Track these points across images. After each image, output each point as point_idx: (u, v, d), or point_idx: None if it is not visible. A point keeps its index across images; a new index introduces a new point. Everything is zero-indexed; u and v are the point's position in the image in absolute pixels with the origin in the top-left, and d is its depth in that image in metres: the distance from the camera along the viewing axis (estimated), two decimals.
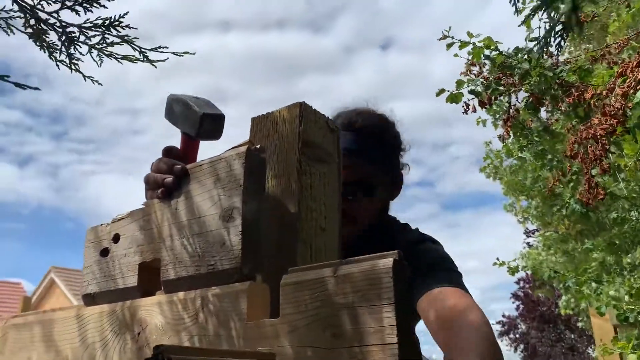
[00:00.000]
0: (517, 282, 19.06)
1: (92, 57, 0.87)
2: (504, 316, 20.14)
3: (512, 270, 3.69)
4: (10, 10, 0.76)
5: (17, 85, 0.58)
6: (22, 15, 0.77)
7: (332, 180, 0.88)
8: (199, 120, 0.85)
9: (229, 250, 0.73)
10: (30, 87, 0.59)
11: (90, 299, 0.86)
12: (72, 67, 0.83)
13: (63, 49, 0.80)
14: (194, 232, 0.77)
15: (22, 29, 0.78)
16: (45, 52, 0.78)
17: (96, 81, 0.89)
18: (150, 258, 0.81)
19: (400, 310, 0.58)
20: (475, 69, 2.15)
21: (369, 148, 1.27)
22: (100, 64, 0.91)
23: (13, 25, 0.78)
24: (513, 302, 19.68)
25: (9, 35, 0.80)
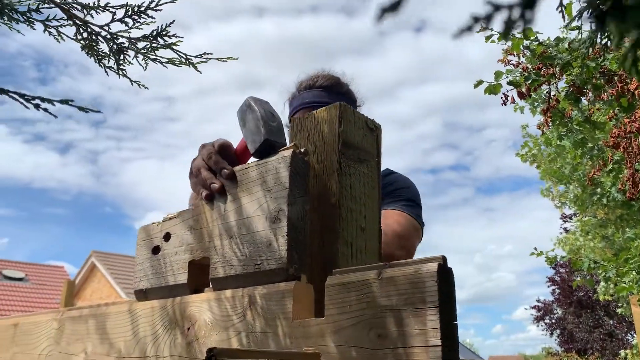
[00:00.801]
0: (554, 267, 18.76)
1: (139, 62, 0.90)
2: (538, 301, 19.89)
3: (550, 261, 3.64)
4: (61, 19, 0.79)
5: (81, 109, 0.61)
6: (71, 23, 0.80)
7: (371, 180, 0.89)
8: (261, 143, 0.85)
9: (275, 251, 0.75)
10: (92, 110, 0.62)
11: (142, 295, 0.91)
12: (120, 72, 0.86)
13: (112, 56, 0.83)
14: (242, 233, 0.80)
15: (73, 37, 0.82)
16: (95, 60, 0.81)
17: (142, 85, 0.92)
18: (200, 257, 0.84)
19: (444, 314, 0.59)
20: (514, 59, 2.11)
21: (328, 100, 1.48)
22: (146, 67, 0.94)
23: (63, 33, 0.82)
24: (549, 287, 19.41)
25: (59, 42, 0.84)
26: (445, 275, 0.61)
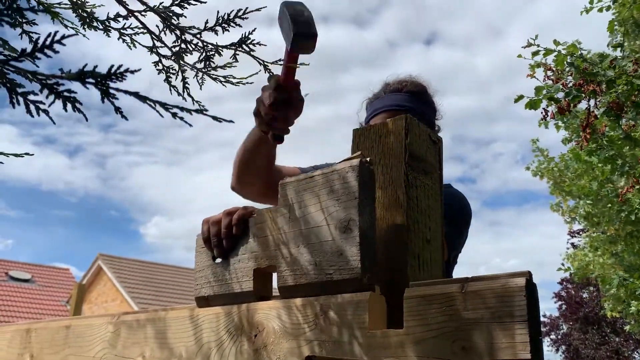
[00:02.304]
0: (560, 283, 18.66)
1: (197, 81, 0.91)
2: (544, 316, 19.75)
3: (579, 277, 3.58)
4: (136, 27, 0.81)
5: (214, 118, 0.62)
6: (144, 31, 0.82)
7: (434, 192, 0.90)
8: (292, 38, 0.94)
9: (347, 260, 0.76)
10: (225, 120, 0.63)
11: (203, 302, 0.91)
12: (185, 91, 0.88)
13: (179, 74, 0.85)
14: (310, 242, 0.81)
15: (145, 43, 0.84)
16: (163, 75, 0.83)
17: (202, 108, 0.94)
18: (266, 265, 0.85)
19: (532, 327, 0.60)
20: (552, 75, 2.12)
21: (415, 105, 1.51)
22: (202, 86, 0.96)
23: (136, 40, 0.83)
24: (555, 302, 19.26)
25: (131, 49, 0.85)
26: (531, 290, 0.62)
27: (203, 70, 0.91)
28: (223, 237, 0.90)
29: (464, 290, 0.65)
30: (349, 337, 0.72)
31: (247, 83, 1.00)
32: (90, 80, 0.56)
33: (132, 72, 0.57)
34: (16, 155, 0.67)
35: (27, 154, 0.73)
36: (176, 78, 0.87)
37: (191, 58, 0.97)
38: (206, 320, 0.88)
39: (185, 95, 0.96)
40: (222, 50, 0.84)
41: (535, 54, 2.17)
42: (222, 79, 0.95)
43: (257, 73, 1.05)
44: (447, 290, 0.66)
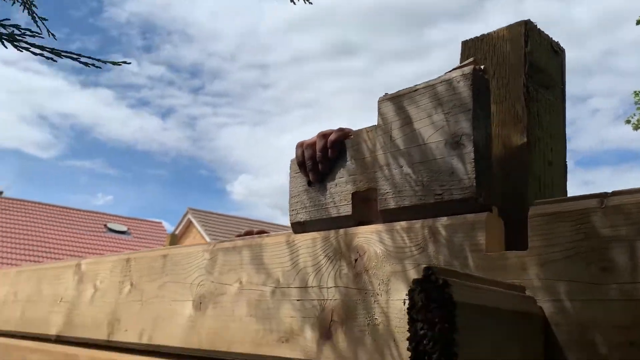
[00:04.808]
0: None
1: None
2: None
3: None
4: None
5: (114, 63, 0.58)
6: None
7: (557, 109, 0.79)
8: None
9: (459, 179, 0.68)
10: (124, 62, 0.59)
11: (299, 227, 0.88)
12: None
13: None
14: (415, 161, 0.74)
15: None
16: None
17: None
18: (365, 187, 0.80)
19: None
20: None
21: None
22: None
23: None
24: None
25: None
26: None
27: None
28: (318, 161, 0.85)
29: (603, 205, 0.56)
30: (462, 260, 0.66)
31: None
32: None
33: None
34: None
35: None
36: None
37: None
38: (303, 246, 0.84)
39: None
40: None
41: None
42: None
43: None
44: (583, 206, 0.57)
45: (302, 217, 0.88)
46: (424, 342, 0.45)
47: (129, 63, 0.82)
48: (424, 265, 0.48)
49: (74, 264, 1.41)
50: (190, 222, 17.05)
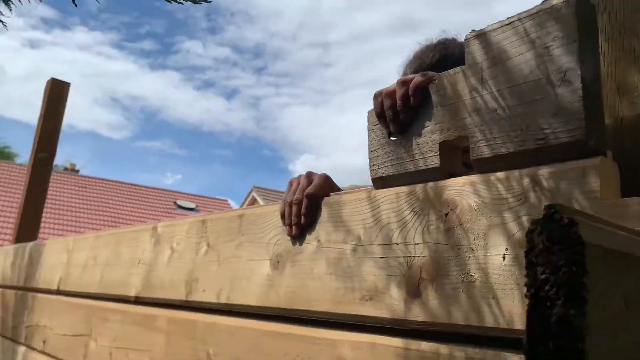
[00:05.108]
0: None
1: None
2: None
3: None
4: None
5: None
6: None
7: None
8: None
9: (565, 120, 0.61)
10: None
11: (381, 182, 0.83)
12: None
13: None
14: (512, 103, 0.67)
15: None
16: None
17: None
18: (454, 136, 0.74)
19: None
20: None
21: None
22: None
23: None
24: None
25: None
26: None
27: None
28: (399, 110, 0.79)
29: None
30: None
31: None
32: None
33: None
34: None
35: None
36: None
37: None
38: (386, 201, 0.80)
39: None
40: None
41: None
42: None
43: None
44: None
45: (383, 171, 0.83)
46: (546, 287, 0.40)
47: (209, 2, 0.79)
48: (546, 204, 0.42)
49: (150, 227, 1.44)
50: (254, 200, 17.39)
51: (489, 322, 0.62)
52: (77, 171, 20.37)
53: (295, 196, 0.93)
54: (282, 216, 0.96)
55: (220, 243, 1.14)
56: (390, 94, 0.81)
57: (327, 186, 0.93)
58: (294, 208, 0.92)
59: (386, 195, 0.80)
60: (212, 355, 1.06)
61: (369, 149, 0.87)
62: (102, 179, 19.06)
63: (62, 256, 1.98)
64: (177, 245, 1.29)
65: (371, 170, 0.85)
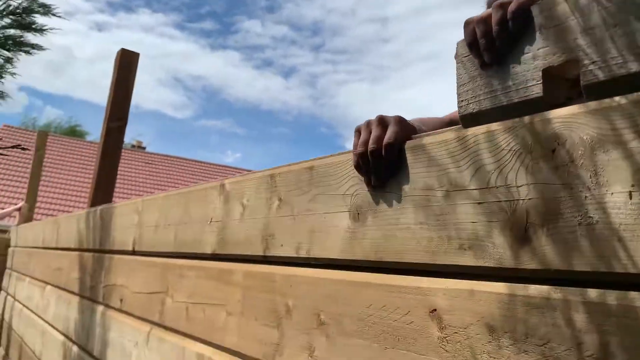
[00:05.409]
0: None
1: None
2: None
3: None
4: None
5: None
6: None
7: None
8: None
9: None
10: None
11: (472, 120, 0.76)
12: None
13: None
14: (631, 21, 0.57)
15: None
16: None
17: None
18: (561, 61, 0.65)
19: None
20: None
21: None
22: None
23: None
24: None
25: None
26: None
27: None
28: (495, 37, 0.71)
29: None
30: None
31: None
32: None
33: None
34: None
35: None
36: None
37: None
38: (479, 140, 0.73)
39: None
40: None
41: None
42: None
43: None
44: None
45: (474, 107, 0.75)
46: None
47: None
48: None
49: (217, 184, 1.42)
50: None
51: (616, 267, 0.55)
52: (144, 148, 21.01)
53: (372, 146, 0.86)
54: (357, 167, 0.91)
55: (292, 197, 1.10)
56: (485, 20, 0.72)
57: (405, 130, 0.87)
58: (372, 158, 0.86)
59: (480, 132, 0.73)
60: (292, 307, 1.04)
61: (457, 83, 0.79)
62: (167, 156, 19.65)
63: (133, 217, 2.01)
64: (247, 202, 1.27)
65: (460, 107, 0.78)
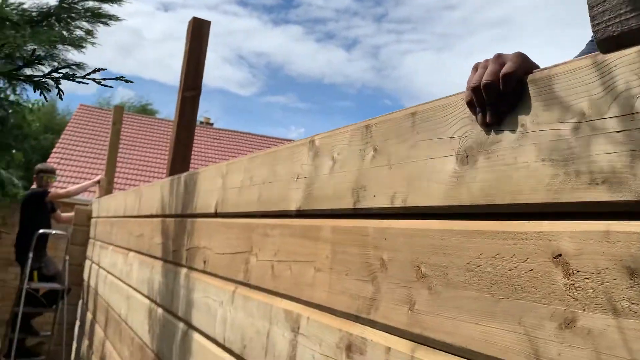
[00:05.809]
0: None
1: None
2: None
3: None
4: None
5: None
6: None
7: None
8: None
9: None
10: None
11: (612, 43, 0.67)
12: None
13: None
14: None
15: None
16: None
17: None
18: None
19: None
20: None
21: None
22: None
23: None
24: None
25: None
26: None
27: None
28: None
29: None
30: None
31: None
32: None
33: None
34: None
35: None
36: None
37: None
38: (621, 64, 0.64)
39: None
40: None
41: None
42: None
43: None
44: None
45: (614, 28, 0.66)
46: None
47: None
48: None
49: (307, 141, 1.39)
50: None
51: None
52: (212, 124, 21.62)
53: (487, 78, 0.79)
54: (470, 104, 0.84)
55: (389, 146, 1.05)
56: None
57: (526, 63, 0.79)
58: (487, 93, 0.79)
59: (622, 56, 0.64)
60: (387, 260, 0.99)
61: (589, 5, 0.70)
62: (234, 131, 20.14)
63: (217, 181, 2.03)
64: (338, 155, 1.23)
65: (595, 32, 0.69)
